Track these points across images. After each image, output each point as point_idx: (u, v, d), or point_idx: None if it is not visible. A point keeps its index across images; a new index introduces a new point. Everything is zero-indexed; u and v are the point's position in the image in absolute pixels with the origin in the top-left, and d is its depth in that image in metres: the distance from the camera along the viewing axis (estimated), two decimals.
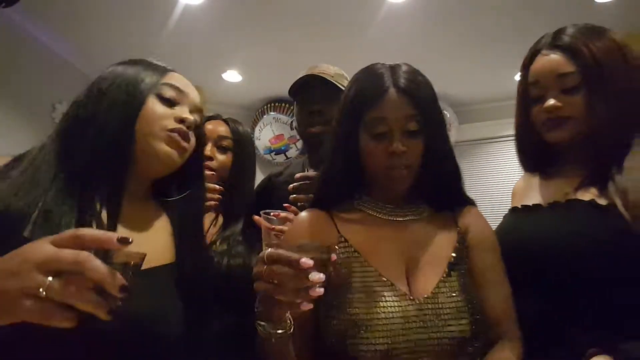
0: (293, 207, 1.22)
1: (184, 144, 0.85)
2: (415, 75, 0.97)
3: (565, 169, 1.06)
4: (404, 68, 0.97)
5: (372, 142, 0.92)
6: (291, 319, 0.76)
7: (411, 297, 0.87)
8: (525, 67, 1.08)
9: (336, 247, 0.90)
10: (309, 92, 1.49)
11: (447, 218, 1.00)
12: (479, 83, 3.85)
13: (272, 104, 4.33)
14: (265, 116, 4.37)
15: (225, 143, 1.44)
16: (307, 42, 3.25)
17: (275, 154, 4.44)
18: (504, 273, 0.95)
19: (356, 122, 0.94)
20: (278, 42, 3.28)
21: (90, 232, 0.52)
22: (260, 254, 0.72)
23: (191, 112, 0.88)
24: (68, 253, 0.49)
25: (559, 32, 1.03)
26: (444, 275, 0.90)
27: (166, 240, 0.86)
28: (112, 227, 0.76)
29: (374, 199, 0.99)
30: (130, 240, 0.53)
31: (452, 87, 4.08)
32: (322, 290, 0.68)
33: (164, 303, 0.77)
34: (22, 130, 2.95)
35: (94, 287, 0.49)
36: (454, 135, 4.31)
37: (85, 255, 0.49)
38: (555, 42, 1.02)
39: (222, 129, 1.45)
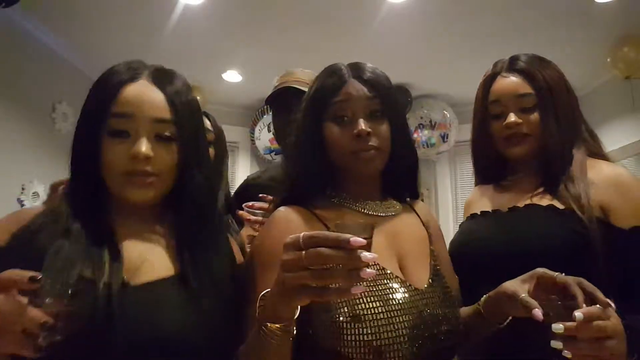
0: (269, 197, 1.22)
1: (149, 179, 0.80)
2: (373, 68, 0.99)
3: (519, 179, 1.17)
4: (361, 64, 1.00)
5: (337, 128, 0.94)
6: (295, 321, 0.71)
7: (415, 287, 0.88)
8: (485, 87, 1.21)
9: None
10: (286, 101, 1.49)
11: (411, 212, 1.04)
12: (479, 83, 3.84)
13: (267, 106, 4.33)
14: (265, 116, 4.37)
15: (208, 137, 1.45)
16: (307, 42, 3.25)
17: (275, 154, 4.44)
18: None
19: (320, 114, 0.95)
20: (278, 42, 3.28)
21: (6, 275, 0.54)
22: (288, 239, 0.65)
23: (147, 133, 0.81)
24: None
25: (514, 58, 1.17)
26: (432, 266, 0.94)
27: (171, 251, 0.84)
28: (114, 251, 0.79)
29: (351, 196, 0.98)
30: (39, 277, 0.55)
31: (452, 87, 4.09)
32: (374, 271, 0.63)
33: (177, 315, 0.76)
34: (22, 130, 2.95)
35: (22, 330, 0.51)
36: (454, 135, 4.32)
37: (0, 300, 0.52)
38: (512, 66, 1.16)
39: (206, 122, 1.47)
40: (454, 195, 4.67)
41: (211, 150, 1.44)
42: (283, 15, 2.97)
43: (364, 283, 0.77)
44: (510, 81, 1.14)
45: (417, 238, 0.99)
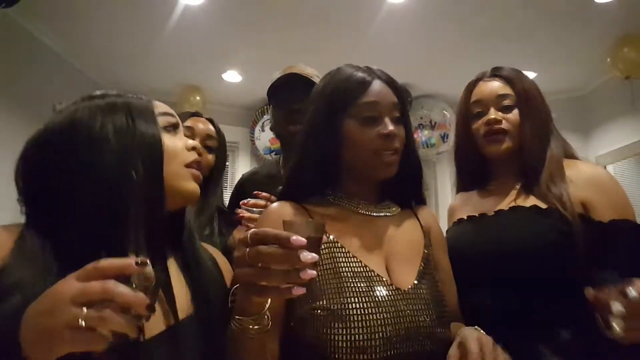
0: (263, 194, 1.24)
1: (199, 173, 0.83)
2: (387, 73, 1.02)
3: (500, 183, 1.22)
4: (375, 68, 1.01)
5: (363, 127, 0.93)
6: (269, 314, 0.70)
7: (397, 287, 0.87)
8: (467, 92, 1.28)
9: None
10: (291, 91, 1.47)
11: (411, 216, 1.04)
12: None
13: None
14: (265, 116, 4.37)
15: (211, 143, 1.45)
16: (307, 42, 3.25)
17: (275, 154, 4.44)
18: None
19: (342, 110, 0.94)
20: (278, 42, 3.28)
21: (109, 262, 0.56)
22: (241, 235, 0.64)
23: (202, 142, 0.85)
24: (95, 285, 0.54)
25: (496, 68, 1.26)
26: (421, 269, 0.93)
27: (182, 289, 0.79)
28: (166, 285, 0.74)
29: (349, 196, 0.98)
30: (147, 261, 0.56)
31: (452, 87, 4.08)
32: (314, 272, 0.61)
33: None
34: (22, 131, 2.93)
35: (122, 309, 0.54)
36: (453, 135, 4.32)
37: (111, 284, 0.54)
38: (494, 72, 1.25)
39: (210, 127, 1.46)
40: (454, 195, 4.65)
41: (211, 158, 1.44)
42: (283, 15, 2.97)
43: (345, 279, 0.79)
44: (492, 84, 1.23)
45: (410, 240, 0.98)
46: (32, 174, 0.75)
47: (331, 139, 0.94)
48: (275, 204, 0.96)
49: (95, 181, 0.70)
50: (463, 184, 1.35)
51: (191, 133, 1.41)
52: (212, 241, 1.26)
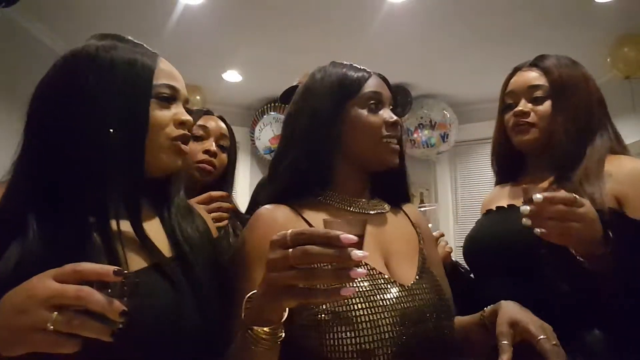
0: None
1: (186, 148, 0.83)
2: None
3: (533, 177, 1.18)
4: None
5: (369, 113, 0.94)
6: (283, 328, 0.67)
7: (401, 284, 0.85)
8: (505, 82, 1.24)
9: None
10: None
11: (401, 214, 1.04)
12: (479, 83, 3.84)
13: (272, 104, 4.33)
14: (265, 116, 4.37)
15: (224, 142, 1.44)
16: (307, 42, 3.25)
17: None
18: None
19: (343, 101, 0.94)
20: (278, 42, 3.28)
21: (89, 266, 0.56)
22: (275, 237, 0.61)
23: (184, 105, 0.84)
24: (70, 289, 0.54)
25: (539, 57, 1.20)
26: (420, 264, 0.92)
27: (163, 235, 0.82)
28: (141, 234, 0.76)
29: (340, 194, 0.95)
30: (125, 272, 0.56)
31: (452, 87, 4.08)
32: (364, 271, 0.59)
33: (175, 296, 0.74)
34: (21, 130, 2.94)
35: (96, 314, 0.54)
36: (454, 135, 4.32)
37: (86, 291, 0.54)
38: (535, 61, 1.19)
39: (223, 126, 1.45)
40: (454, 195, 4.67)
41: (225, 157, 1.43)
42: (283, 15, 2.97)
43: (354, 283, 0.74)
44: (527, 74, 1.18)
45: (406, 236, 0.98)
46: (30, 121, 0.79)
47: (334, 126, 0.93)
48: (266, 207, 0.92)
49: (83, 135, 0.73)
50: (500, 177, 1.32)
51: (205, 132, 1.40)
52: (227, 243, 1.24)
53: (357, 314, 0.77)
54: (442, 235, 1.31)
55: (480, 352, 0.93)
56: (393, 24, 3.02)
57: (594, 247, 0.84)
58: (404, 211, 1.04)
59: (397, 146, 0.96)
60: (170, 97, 0.81)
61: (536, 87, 1.14)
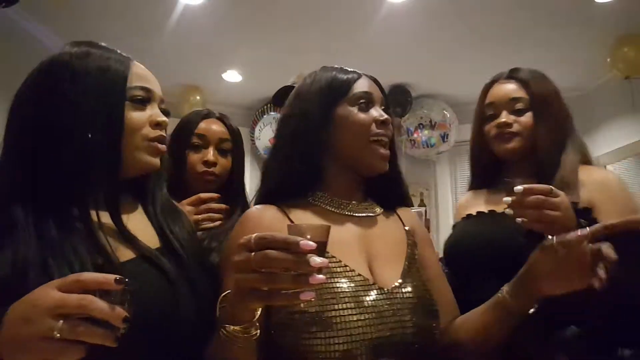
0: None
1: (163, 147, 0.87)
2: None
3: (513, 184, 1.19)
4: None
5: (359, 111, 0.94)
6: (257, 323, 0.69)
7: (381, 287, 0.85)
8: (483, 93, 1.30)
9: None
10: None
11: (394, 217, 1.03)
12: (479, 83, 3.83)
13: (272, 104, 4.33)
14: (265, 116, 4.37)
15: (225, 146, 1.42)
16: (307, 42, 3.25)
17: None
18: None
19: (333, 101, 0.95)
20: (278, 42, 3.29)
21: (91, 276, 0.59)
22: (242, 240, 0.63)
23: (159, 105, 0.88)
24: (73, 298, 0.56)
25: (514, 69, 1.27)
26: (405, 267, 0.91)
27: (149, 228, 0.86)
28: (120, 226, 0.80)
29: (329, 195, 0.96)
30: (126, 280, 0.58)
31: (452, 87, 4.09)
32: (323, 277, 0.60)
33: (166, 285, 0.76)
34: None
35: (99, 321, 0.56)
36: (454, 135, 4.33)
37: (89, 299, 0.56)
38: (511, 74, 1.26)
39: (222, 130, 1.43)
40: (454, 195, 4.67)
41: (227, 161, 1.41)
42: (283, 15, 2.97)
43: (327, 281, 0.75)
44: (506, 86, 1.24)
45: (393, 240, 0.96)
46: (11, 127, 0.81)
47: (324, 128, 0.93)
48: (255, 208, 0.94)
49: (62, 139, 0.77)
50: (475, 183, 1.37)
51: (203, 141, 1.38)
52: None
53: (332, 314, 0.78)
54: None
55: (495, 348, 0.91)
56: (393, 24, 3.02)
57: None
58: (397, 214, 1.03)
59: (387, 151, 0.95)
60: (144, 99, 0.85)
61: (517, 99, 1.21)
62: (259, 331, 0.69)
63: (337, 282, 0.82)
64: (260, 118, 4.43)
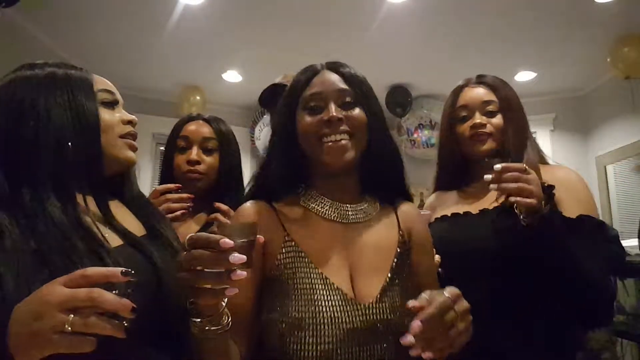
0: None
1: (135, 143, 0.93)
2: (348, 65, 1.00)
3: (482, 184, 1.22)
4: (338, 62, 1.01)
5: (308, 117, 0.94)
6: (229, 315, 0.72)
7: (357, 302, 0.84)
8: (453, 97, 1.39)
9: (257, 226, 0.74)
10: (276, 101, 1.50)
11: (390, 217, 0.99)
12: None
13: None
14: (265, 116, 4.37)
15: (210, 145, 1.43)
16: (307, 42, 3.25)
17: None
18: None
19: (294, 105, 0.96)
20: (278, 42, 3.29)
21: (97, 270, 0.61)
22: (185, 240, 0.67)
23: (122, 106, 0.94)
24: (83, 292, 0.58)
25: (481, 75, 1.38)
26: (387, 281, 0.89)
27: (133, 218, 0.91)
28: (108, 216, 0.84)
29: (320, 194, 0.95)
30: (132, 272, 0.60)
31: (452, 87, 4.08)
32: (244, 273, 0.64)
33: (154, 270, 0.79)
34: None
35: (108, 313, 0.58)
36: None
37: (98, 292, 0.58)
38: (479, 80, 1.36)
39: (205, 130, 1.44)
40: None
41: (212, 160, 1.42)
42: (283, 15, 2.98)
43: (304, 291, 0.83)
44: (477, 90, 1.34)
45: (381, 248, 0.93)
46: None
47: (289, 133, 0.96)
48: (246, 204, 0.96)
49: (40, 148, 0.80)
50: (442, 184, 1.44)
51: (186, 143, 1.41)
52: None
53: (306, 322, 0.81)
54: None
55: None
56: (393, 24, 3.02)
57: (537, 206, 1.04)
58: (396, 214, 1.00)
59: (342, 142, 0.90)
60: (112, 102, 0.91)
61: (488, 102, 1.30)
62: (229, 323, 0.71)
63: (315, 294, 0.84)
64: (260, 118, 4.43)
